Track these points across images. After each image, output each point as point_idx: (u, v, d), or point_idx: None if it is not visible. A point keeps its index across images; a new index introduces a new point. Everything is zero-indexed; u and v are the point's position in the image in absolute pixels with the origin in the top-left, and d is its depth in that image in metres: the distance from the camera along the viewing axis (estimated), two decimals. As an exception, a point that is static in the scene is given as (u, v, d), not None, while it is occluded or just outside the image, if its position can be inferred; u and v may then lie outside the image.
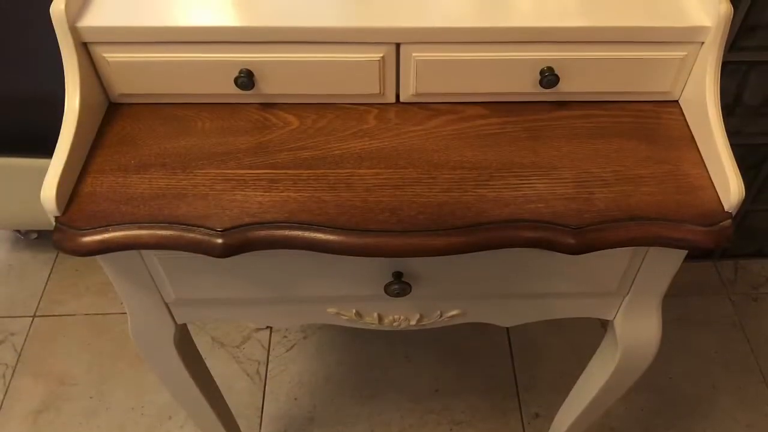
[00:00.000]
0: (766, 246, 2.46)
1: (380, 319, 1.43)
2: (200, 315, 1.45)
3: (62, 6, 1.16)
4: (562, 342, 2.37)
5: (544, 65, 1.25)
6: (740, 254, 2.49)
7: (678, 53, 1.25)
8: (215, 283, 1.32)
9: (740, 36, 1.78)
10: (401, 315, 1.43)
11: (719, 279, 2.47)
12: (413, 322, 1.44)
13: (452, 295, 1.39)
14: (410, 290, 1.30)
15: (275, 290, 1.35)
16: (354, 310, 1.41)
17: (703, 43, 1.24)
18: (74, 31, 1.19)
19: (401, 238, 1.13)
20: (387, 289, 1.29)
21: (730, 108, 1.91)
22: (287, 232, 1.14)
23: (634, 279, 1.33)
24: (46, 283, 2.47)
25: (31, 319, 2.37)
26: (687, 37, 1.24)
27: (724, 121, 1.19)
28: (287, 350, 2.35)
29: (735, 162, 1.16)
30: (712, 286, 2.46)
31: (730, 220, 1.15)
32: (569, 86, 1.28)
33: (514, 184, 1.19)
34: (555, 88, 1.27)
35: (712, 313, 2.40)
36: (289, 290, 1.34)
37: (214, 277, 1.31)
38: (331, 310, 1.41)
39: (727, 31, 1.20)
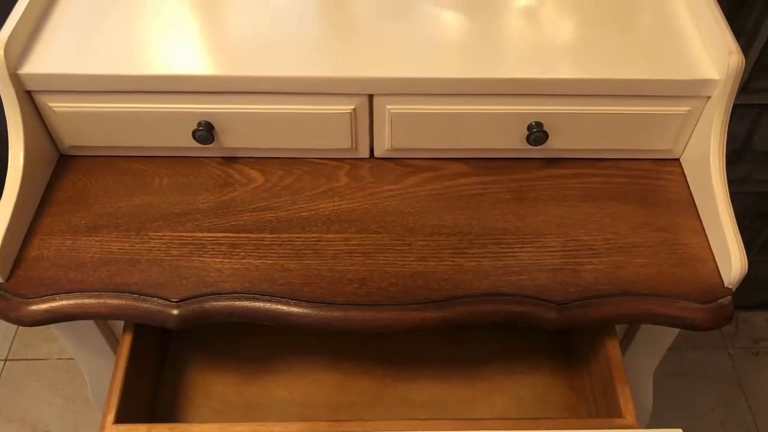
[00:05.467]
0: (772, 298, 2.38)
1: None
2: (161, 380, 1.36)
3: (1, 51, 1.07)
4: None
5: (532, 120, 1.16)
6: (742, 306, 2.38)
7: (681, 108, 1.15)
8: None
9: (753, 77, 1.68)
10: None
11: (719, 332, 2.37)
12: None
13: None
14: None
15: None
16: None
17: (709, 97, 1.14)
18: (15, 78, 1.10)
19: (370, 312, 1.05)
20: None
21: (738, 154, 1.81)
22: (247, 304, 1.06)
23: (623, 353, 1.24)
24: (18, 326, 2.38)
25: (2, 363, 2.28)
26: (692, 91, 1.13)
27: (731, 167, 1.10)
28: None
29: (738, 231, 1.07)
30: (711, 339, 2.37)
31: (730, 297, 1.07)
32: (560, 143, 1.19)
33: (496, 252, 1.10)
34: (544, 144, 1.17)
35: (710, 368, 2.31)
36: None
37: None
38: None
39: (737, 84, 1.10)
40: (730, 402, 2.24)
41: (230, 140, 1.19)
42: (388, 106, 1.15)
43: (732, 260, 1.05)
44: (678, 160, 1.23)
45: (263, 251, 1.10)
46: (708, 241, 1.12)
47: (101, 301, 1.06)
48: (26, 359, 2.29)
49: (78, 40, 1.16)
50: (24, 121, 1.11)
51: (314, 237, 1.12)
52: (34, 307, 1.06)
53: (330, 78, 1.12)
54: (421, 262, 1.09)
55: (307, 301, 1.05)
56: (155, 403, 1.30)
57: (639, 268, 1.09)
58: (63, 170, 1.21)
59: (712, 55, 1.13)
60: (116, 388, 1.12)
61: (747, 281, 1.09)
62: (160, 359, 1.34)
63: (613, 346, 1.16)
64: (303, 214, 1.15)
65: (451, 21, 1.20)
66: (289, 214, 1.15)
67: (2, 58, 1.07)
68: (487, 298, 1.06)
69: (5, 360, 2.29)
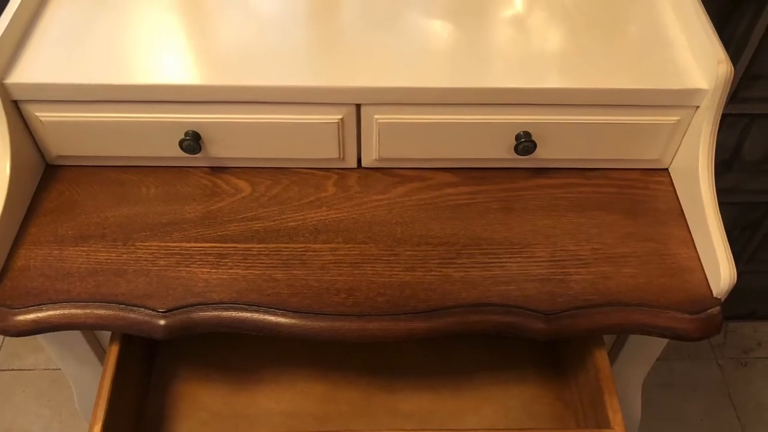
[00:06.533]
0: (760, 308, 2.36)
1: None
2: (148, 390, 1.35)
3: (-13, 62, 1.06)
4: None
5: (520, 129, 1.15)
6: (731, 316, 2.37)
7: (670, 118, 1.15)
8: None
9: (742, 86, 1.67)
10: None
11: (707, 342, 2.36)
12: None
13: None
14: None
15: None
16: None
17: (698, 107, 1.13)
18: (1, 88, 1.09)
19: (357, 322, 1.04)
20: None
21: (727, 163, 1.81)
22: (234, 314, 1.05)
23: (612, 364, 1.23)
24: (4, 337, 2.36)
25: (-11, 373, 2.28)
26: (680, 101, 1.13)
27: (720, 177, 1.09)
28: None
29: (727, 241, 1.06)
30: (699, 349, 2.35)
31: (718, 307, 1.06)
32: (547, 152, 1.18)
33: (484, 262, 1.09)
34: (532, 154, 1.16)
35: (699, 378, 2.30)
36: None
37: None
38: None
39: (726, 93, 1.09)
40: (719, 412, 2.23)
41: (217, 150, 1.17)
42: (375, 116, 1.14)
43: (721, 270, 1.04)
44: (666, 169, 1.23)
45: (251, 261, 1.09)
46: (697, 251, 1.11)
47: (88, 311, 1.05)
48: (13, 369, 2.27)
49: (65, 50, 1.14)
50: (10, 131, 1.10)
51: (301, 247, 1.11)
52: (21, 318, 1.05)
53: (317, 87, 1.11)
54: (408, 273, 1.08)
55: (294, 312, 1.04)
56: (142, 413, 1.29)
57: (627, 278, 1.08)
58: (49, 180, 1.20)
59: (701, 64, 1.12)
60: (103, 399, 1.11)
61: (736, 291, 1.09)
62: (147, 370, 1.33)
63: (601, 357, 1.16)
64: (290, 224, 1.14)
65: (439, 30, 1.19)
66: (276, 224, 1.14)
67: (-12, 68, 1.07)
68: (475, 308, 1.05)
69: (-9, 370, 2.28)
